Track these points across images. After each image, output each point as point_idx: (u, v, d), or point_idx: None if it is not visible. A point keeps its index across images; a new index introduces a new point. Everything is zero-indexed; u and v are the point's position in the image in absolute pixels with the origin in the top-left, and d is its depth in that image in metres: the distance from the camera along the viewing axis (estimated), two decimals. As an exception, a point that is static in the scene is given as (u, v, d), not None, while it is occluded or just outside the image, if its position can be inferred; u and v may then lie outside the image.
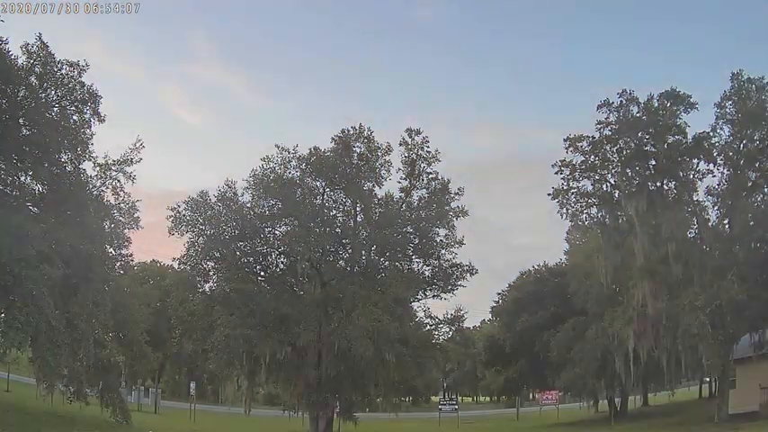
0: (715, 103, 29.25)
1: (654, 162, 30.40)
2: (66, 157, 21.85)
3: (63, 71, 21.77)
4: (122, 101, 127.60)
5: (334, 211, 31.12)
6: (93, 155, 22.81)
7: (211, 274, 29.91)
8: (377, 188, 30.58)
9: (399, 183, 30.60)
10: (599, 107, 30.41)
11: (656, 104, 29.98)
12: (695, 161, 30.26)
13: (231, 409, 49.95)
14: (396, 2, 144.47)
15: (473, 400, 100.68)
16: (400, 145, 30.23)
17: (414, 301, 31.97)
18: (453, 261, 30.80)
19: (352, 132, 30.30)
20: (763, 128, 28.24)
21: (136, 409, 35.02)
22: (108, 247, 23.81)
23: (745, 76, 28.47)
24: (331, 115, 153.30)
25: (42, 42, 21.38)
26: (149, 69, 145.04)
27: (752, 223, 27.17)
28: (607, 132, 30.40)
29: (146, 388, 48.04)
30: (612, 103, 30.18)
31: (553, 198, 31.57)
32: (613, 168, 31.10)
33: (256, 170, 29.26)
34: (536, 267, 54.44)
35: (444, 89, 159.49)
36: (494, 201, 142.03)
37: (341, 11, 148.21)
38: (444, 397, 75.67)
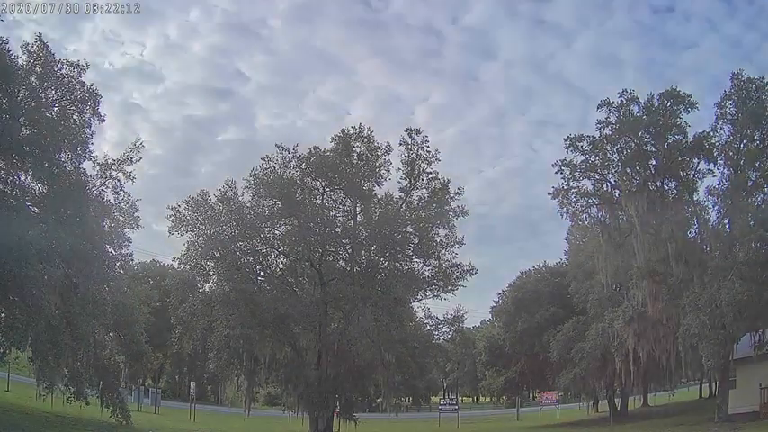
0: (715, 103, 29.34)
1: (654, 162, 30.46)
2: (66, 157, 21.81)
3: (63, 71, 21.77)
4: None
5: (334, 211, 31.12)
6: (93, 154, 22.84)
7: (211, 274, 29.94)
8: (377, 188, 30.58)
9: (399, 183, 30.57)
10: (599, 107, 30.55)
11: (657, 104, 30.05)
12: (695, 161, 30.35)
13: (231, 409, 49.94)
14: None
15: (473, 400, 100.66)
16: (400, 145, 30.19)
17: (414, 302, 32.00)
18: (453, 261, 30.80)
19: (351, 132, 30.31)
20: (764, 127, 28.27)
21: (136, 409, 35.00)
22: (108, 246, 23.77)
23: (745, 76, 28.52)
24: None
25: (42, 42, 21.38)
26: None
27: (752, 223, 27.14)
28: (607, 132, 30.47)
29: (146, 388, 48.03)
30: (613, 102, 30.25)
31: (553, 198, 31.71)
32: (613, 168, 31.18)
33: (256, 170, 29.30)
34: (536, 267, 54.65)
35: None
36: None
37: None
38: (444, 397, 75.82)
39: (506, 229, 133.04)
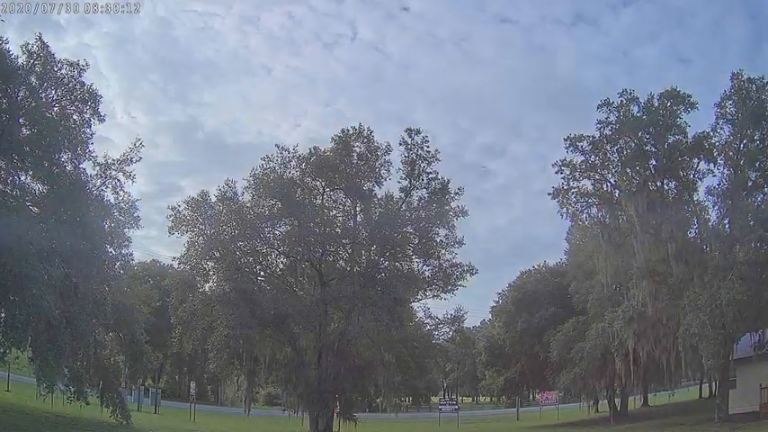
0: (715, 103, 29.30)
1: (654, 162, 30.42)
2: (66, 157, 21.81)
3: (63, 71, 21.75)
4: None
5: (334, 211, 31.14)
6: (93, 154, 22.83)
7: (211, 274, 29.95)
8: (377, 188, 30.57)
9: (399, 183, 30.56)
10: (599, 107, 30.47)
11: (657, 104, 30.01)
12: (695, 161, 30.32)
13: (231, 409, 49.95)
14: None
15: (473, 400, 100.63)
16: (400, 145, 30.14)
17: (414, 302, 32.01)
18: (453, 261, 30.79)
19: (351, 132, 30.29)
20: (764, 127, 28.24)
21: (136, 409, 35.02)
22: (108, 246, 23.76)
23: (745, 76, 28.50)
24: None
25: (42, 42, 21.36)
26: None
27: (752, 223, 27.13)
28: (607, 132, 30.43)
29: (146, 388, 48.03)
30: (613, 102, 30.22)
31: (553, 198, 31.69)
32: (613, 168, 31.17)
33: (256, 170, 29.30)
34: (536, 267, 54.68)
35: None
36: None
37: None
38: (444, 397, 75.86)
39: (508, 257, 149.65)
